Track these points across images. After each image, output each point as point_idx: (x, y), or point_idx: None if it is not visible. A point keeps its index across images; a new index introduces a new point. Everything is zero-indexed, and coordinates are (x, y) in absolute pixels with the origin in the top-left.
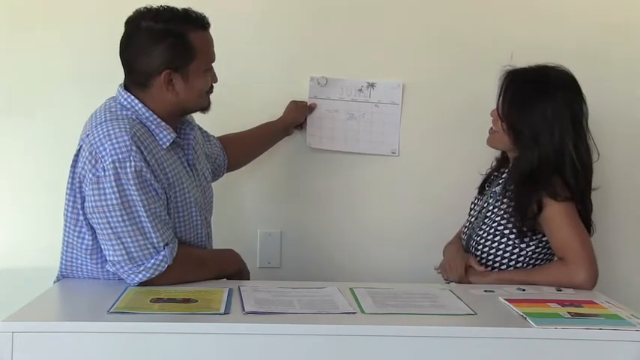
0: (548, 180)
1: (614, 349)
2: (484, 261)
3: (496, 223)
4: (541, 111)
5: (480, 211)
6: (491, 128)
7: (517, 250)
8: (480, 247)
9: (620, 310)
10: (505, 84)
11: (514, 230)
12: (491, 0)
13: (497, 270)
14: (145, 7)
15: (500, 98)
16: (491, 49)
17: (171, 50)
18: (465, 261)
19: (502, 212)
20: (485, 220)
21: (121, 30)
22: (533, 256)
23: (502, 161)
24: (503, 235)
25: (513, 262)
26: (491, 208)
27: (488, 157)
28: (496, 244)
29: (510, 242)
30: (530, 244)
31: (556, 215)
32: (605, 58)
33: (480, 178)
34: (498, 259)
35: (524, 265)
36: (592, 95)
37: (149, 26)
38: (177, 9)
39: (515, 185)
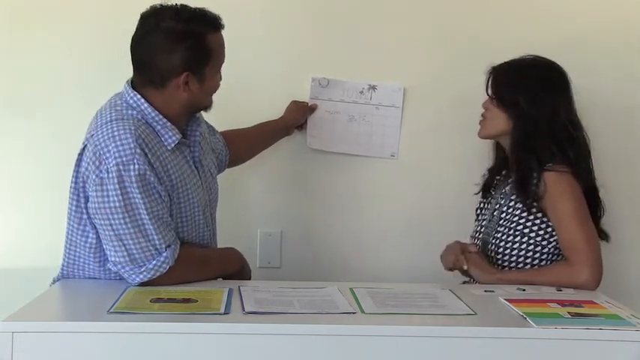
0: (545, 147)
1: (614, 349)
2: (506, 263)
3: (515, 224)
4: (535, 82)
5: (492, 214)
6: (481, 120)
7: (539, 248)
8: (501, 249)
9: (620, 310)
10: (495, 67)
11: (534, 228)
12: (493, 4)
13: (514, 269)
14: (161, 5)
15: (489, 82)
16: (492, 53)
17: (192, 51)
18: (462, 246)
19: (519, 212)
20: (502, 222)
21: (123, 29)
22: (555, 252)
23: (503, 163)
24: (524, 235)
25: (537, 261)
26: (505, 209)
27: (487, 161)
28: (517, 244)
29: (532, 241)
30: (551, 240)
31: (564, 209)
32: (606, 56)
33: (480, 181)
34: (521, 259)
35: (548, 262)
36: (589, 94)
37: (170, 26)
38: (194, 9)
39: (514, 156)
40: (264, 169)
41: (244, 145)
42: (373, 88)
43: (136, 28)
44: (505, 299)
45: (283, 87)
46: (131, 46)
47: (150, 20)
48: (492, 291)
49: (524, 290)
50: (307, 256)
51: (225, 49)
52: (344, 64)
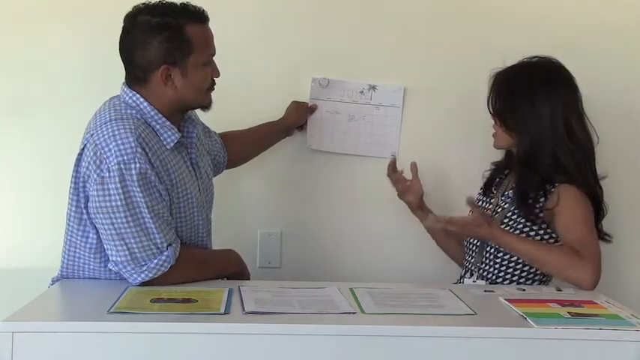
0: (545, 164)
1: (614, 349)
2: (504, 267)
3: (518, 231)
4: (527, 97)
5: (493, 215)
6: (493, 132)
7: None
8: (501, 253)
9: (620, 310)
10: (492, 83)
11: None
12: (493, 4)
13: (513, 265)
14: (143, 3)
15: (490, 97)
16: (493, 53)
17: (168, 43)
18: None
19: (524, 220)
20: (504, 227)
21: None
22: None
23: (506, 162)
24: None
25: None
26: (509, 214)
27: (488, 160)
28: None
29: None
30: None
31: (576, 214)
32: (607, 56)
33: (481, 180)
34: (519, 265)
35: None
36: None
37: (145, 20)
38: (174, 3)
39: (517, 171)
40: (265, 169)
41: (243, 146)
42: (373, 88)
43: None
44: (505, 299)
45: (283, 87)
46: (118, 46)
47: (129, 19)
48: (492, 291)
49: (524, 290)
50: (307, 256)
51: (223, 49)
52: (344, 64)
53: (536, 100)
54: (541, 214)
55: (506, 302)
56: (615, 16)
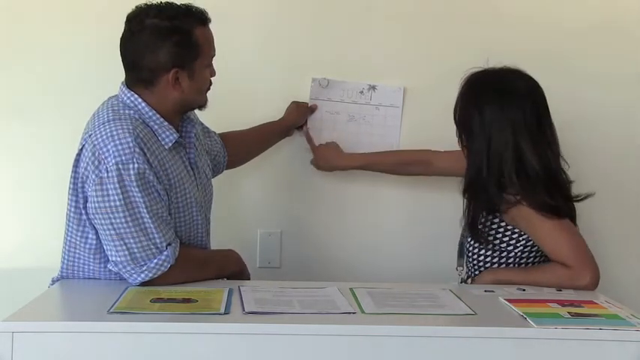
0: (489, 193)
1: (614, 349)
2: (476, 267)
3: (475, 255)
4: (480, 114)
5: (465, 217)
6: None
7: (505, 253)
8: (470, 254)
9: (620, 310)
10: (460, 86)
11: (498, 235)
12: (494, 5)
13: (489, 264)
14: (146, 4)
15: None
16: (492, 53)
17: (178, 47)
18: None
19: (484, 220)
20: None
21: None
22: (523, 255)
23: None
24: (488, 242)
25: (504, 265)
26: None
27: None
28: (483, 250)
29: (497, 248)
30: (518, 245)
31: (542, 229)
32: (609, 56)
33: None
34: (488, 265)
35: (515, 265)
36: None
37: (154, 23)
38: (178, 5)
39: (465, 195)
40: (265, 169)
41: (242, 146)
42: (373, 88)
43: (124, 30)
44: (505, 299)
45: (283, 87)
46: (120, 47)
47: (135, 20)
48: (492, 291)
49: (524, 290)
50: (307, 256)
51: (223, 49)
52: (344, 64)
53: (486, 124)
54: (501, 229)
55: (506, 302)
56: (617, 16)
